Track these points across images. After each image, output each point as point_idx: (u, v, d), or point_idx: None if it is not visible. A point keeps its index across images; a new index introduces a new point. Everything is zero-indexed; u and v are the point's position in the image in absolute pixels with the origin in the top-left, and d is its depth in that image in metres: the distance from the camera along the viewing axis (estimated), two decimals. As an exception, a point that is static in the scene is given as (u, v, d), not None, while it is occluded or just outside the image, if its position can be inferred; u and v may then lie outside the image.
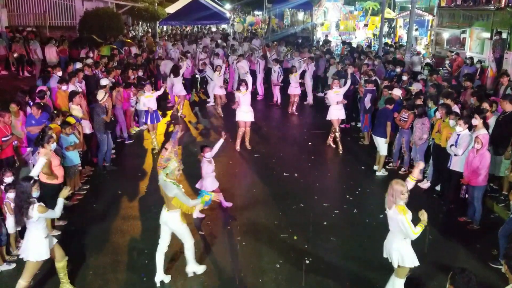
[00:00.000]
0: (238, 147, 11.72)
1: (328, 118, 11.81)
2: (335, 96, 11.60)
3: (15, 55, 15.51)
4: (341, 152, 11.62)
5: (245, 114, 11.60)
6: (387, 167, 10.65)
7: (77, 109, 9.69)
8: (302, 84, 15.98)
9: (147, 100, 11.62)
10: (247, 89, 11.62)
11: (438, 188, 9.40)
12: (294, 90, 15.36)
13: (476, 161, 7.68)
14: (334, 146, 11.98)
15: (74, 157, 8.69)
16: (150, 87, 11.91)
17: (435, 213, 8.07)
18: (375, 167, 10.56)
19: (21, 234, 7.26)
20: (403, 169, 10.42)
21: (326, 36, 27.25)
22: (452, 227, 7.93)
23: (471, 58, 15.49)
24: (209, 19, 26.89)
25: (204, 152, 7.99)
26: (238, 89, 11.67)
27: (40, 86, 11.33)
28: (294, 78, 15.22)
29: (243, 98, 11.51)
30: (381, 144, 10.28)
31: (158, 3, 34.29)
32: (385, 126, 10.12)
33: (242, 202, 8.89)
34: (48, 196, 7.56)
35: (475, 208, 7.97)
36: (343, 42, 23.46)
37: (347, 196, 9.23)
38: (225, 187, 9.65)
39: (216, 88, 15.34)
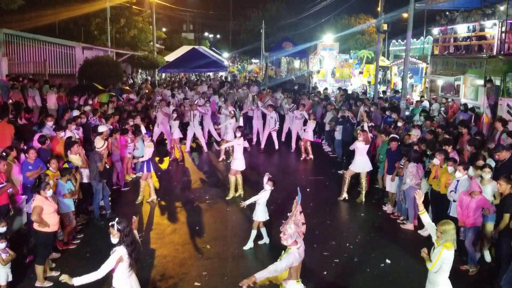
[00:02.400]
0: (231, 195, 11.51)
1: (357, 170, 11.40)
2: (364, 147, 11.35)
3: (9, 101, 15.63)
4: (362, 201, 11.35)
5: (234, 161, 11.45)
6: (398, 221, 10.37)
7: (76, 158, 9.68)
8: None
9: (150, 150, 11.29)
10: (241, 136, 11.52)
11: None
12: (306, 135, 15.46)
13: (473, 202, 7.68)
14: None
15: (69, 204, 8.58)
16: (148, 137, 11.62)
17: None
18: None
19: (11, 285, 7.05)
20: (401, 218, 10.23)
21: (315, 83, 27.78)
22: (454, 275, 7.71)
23: (465, 104, 15.69)
24: (207, 66, 27.40)
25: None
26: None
27: (38, 132, 11.32)
28: (311, 125, 15.36)
29: (236, 144, 11.43)
30: (387, 181, 10.64)
31: (157, 51, 35.00)
32: (393, 164, 10.31)
33: (240, 251, 8.70)
34: (40, 244, 7.42)
35: (469, 251, 7.91)
36: (339, 88, 23.84)
37: (347, 244, 9.05)
38: (222, 234, 9.50)
39: (228, 134, 14.74)
